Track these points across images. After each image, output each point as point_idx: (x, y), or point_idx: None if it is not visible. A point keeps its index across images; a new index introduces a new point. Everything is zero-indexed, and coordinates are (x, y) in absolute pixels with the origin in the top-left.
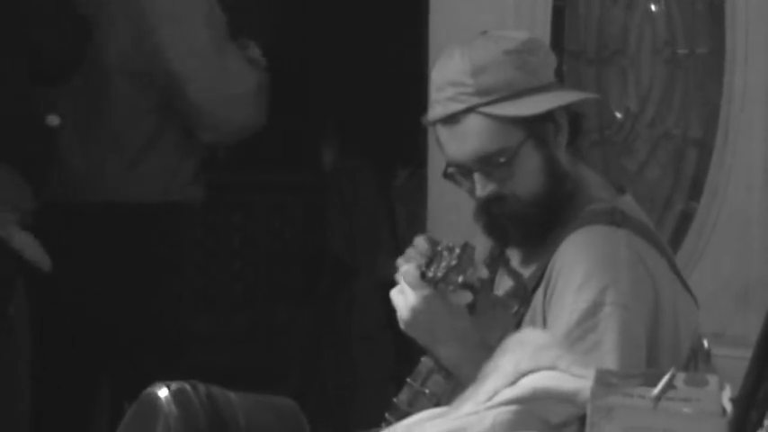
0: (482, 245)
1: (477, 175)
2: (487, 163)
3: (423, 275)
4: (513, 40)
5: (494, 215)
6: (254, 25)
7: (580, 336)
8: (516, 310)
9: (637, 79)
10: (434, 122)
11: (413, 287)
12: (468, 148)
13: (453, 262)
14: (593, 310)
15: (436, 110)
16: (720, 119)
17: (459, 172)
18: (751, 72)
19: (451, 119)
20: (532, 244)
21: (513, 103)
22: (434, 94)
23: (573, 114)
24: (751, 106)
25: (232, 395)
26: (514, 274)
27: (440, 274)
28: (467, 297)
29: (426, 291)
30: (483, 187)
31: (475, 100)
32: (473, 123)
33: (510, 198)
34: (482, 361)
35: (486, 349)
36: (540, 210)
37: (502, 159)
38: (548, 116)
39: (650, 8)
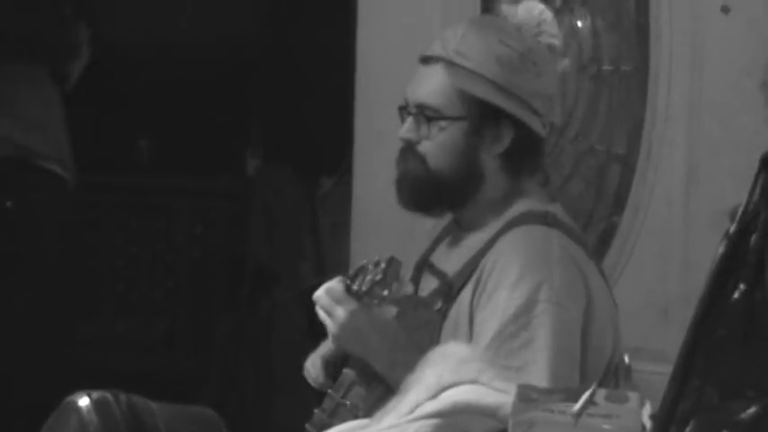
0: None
1: (409, 118)
2: (420, 112)
3: (348, 289)
4: (517, 41)
5: (402, 166)
6: (180, 30)
7: (513, 333)
8: (440, 307)
9: (562, 95)
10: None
11: (338, 302)
12: (418, 90)
13: (378, 276)
14: (526, 308)
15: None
16: (643, 135)
17: (403, 109)
18: (674, 90)
19: (426, 60)
20: (409, 209)
21: (471, 79)
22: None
23: (526, 136)
24: (674, 123)
25: (153, 405)
26: (439, 274)
27: (365, 288)
28: (391, 311)
29: (352, 305)
30: (407, 131)
31: (448, 55)
32: (434, 72)
33: (419, 157)
34: (414, 363)
35: (416, 351)
36: (433, 184)
37: (432, 115)
38: (493, 119)
39: (576, 24)
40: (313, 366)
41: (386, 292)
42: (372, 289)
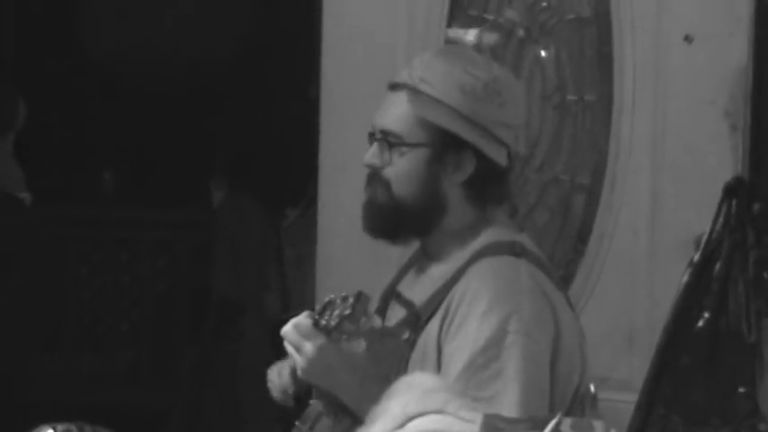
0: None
1: (374, 144)
2: (384, 138)
3: (316, 323)
4: (482, 70)
5: (369, 192)
6: (145, 63)
7: (483, 364)
8: (408, 337)
9: (526, 124)
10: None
11: (307, 337)
12: (383, 116)
13: (347, 311)
14: (496, 339)
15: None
16: (608, 165)
17: (370, 136)
18: (638, 119)
19: (393, 87)
20: (373, 236)
21: (434, 107)
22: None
23: (489, 166)
24: (637, 153)
25: None
26: (406, 303)
27: (333, 323)
28: (360, 345)
29: (320, 340)
30: (371, 156)
31: (413, 82)
32: (399, 99)
33: (384, 183)
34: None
35: (386, 384)
36: (397, 211)
37: (394, 141)
38: (454, 147)
39: (540, 54)
40: (280, 376)
41: (354, 327)
42: (341, 324)
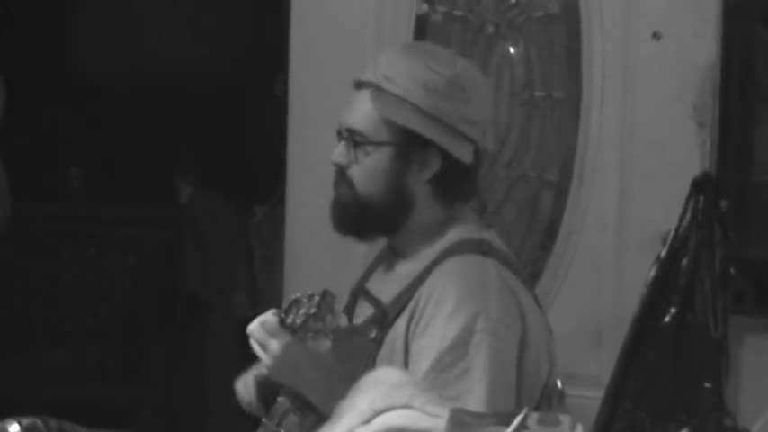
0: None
1: (341, 143)
2: (350, 137)
3: (282, 322)
4: (445, 67)
5: (336, 190)
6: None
7: (450, 363)
8: (375, 335)
9: (494, 121)
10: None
11: (273, 335)
12: (349, 115)
13: (312, 309)
14: (463, 338)
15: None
16: (576, 161)
17: (338, 133)
18: (606, 116)
19: (358, 85)
20: (341, 233)
21: (397, 105)
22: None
23: (455, 163)
24: (606, 149)
25: (83, 430)
26: (374, 301)
27: (299, 321)
28: (326, 344)
29: (286, 338)
30: (337, 155)
31: (377, 80)
32: (364, 98)
33: (348, 182)
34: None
35: (352, 382)
36: (362, 209)
37: (359, 140)
38: (419, 145)
39: (509, 50)
40: (245, 387)
41: (320, 326)
42: (307, 322)
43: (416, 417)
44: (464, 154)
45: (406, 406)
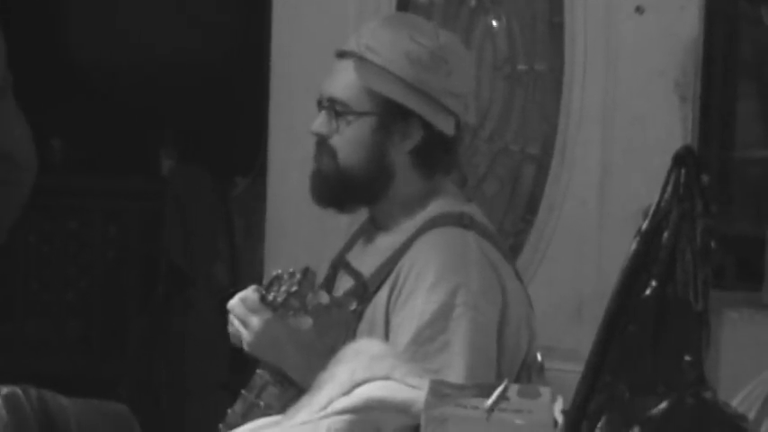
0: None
1: (322, 113)
2: (331, 107)
3: (263, 299)
4: (428, 38)
5: (317, 161)
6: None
7: (431, 336)
8: (355, 308)
9: (476, 94)
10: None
11: (253, 311)
12: (330, 85)
13: (294, 288)
14: (443, 311)
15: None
16: (558, 135)
17: (318, 104)
18: (588, 90)
19: (340, 55)
20: (321, 205)
21: (379, 75)
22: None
23: (437, 134)
24: (588, 123)
25: (64, 400)
26: (354, 274)
27: (280, 299)
28: (307, 322)
29: (267, 314)
30: (318, 125)
31: (360, 50)
32: (346, 67)
33: (330, 152)
34: None
35: (331, 354)
36: (343, 180)
37: (340, 110)
38: (401, 116)
39: (491, 24)
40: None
41: (301, 303)
42: (288, 300)
43: (396, 388)
44: (446, 126)
45: (387, 377)
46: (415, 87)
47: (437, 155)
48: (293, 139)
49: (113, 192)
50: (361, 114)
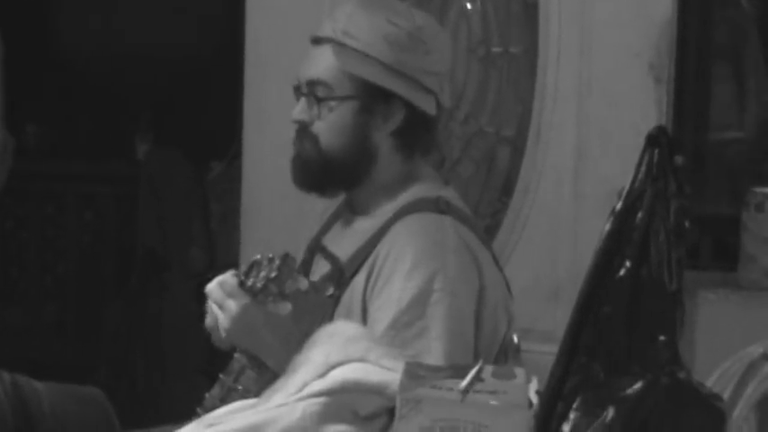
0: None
1: (302, 99)
2: (311, 91)
3: (241, 284)
4: (405, 19)
5: (297, 147)
6: (70, 17)
7: (408, 322)
8: (332, 293)
9: (451, 76)
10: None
11: (231, 295)
12: (309, 70)
13: (273, 273)
14: (421, 297)
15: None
16: (533, 117)
17: (297, 90)
18: (563, 72)
19: (316, 41)
20: (302, 189)
21: (359, 59)
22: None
23: (419, 114)
24: (562, 105)
25: (38, 384)
26: (331, 258)
27: (259, 285)
28: (286, 308)
29: (245, 299)
30: (299, 112)
31: (337, 36)
32: (324, 53)
33: (312, 138)
34: None
35: (307, 339)
36: (326, 165)
37: (321, 95)
38: (383, 98)
39: (466, 6)
40: None
41: (280, 290)
42: (266, 286)
43: (371, 370)
44: (427, 105)
45: (362, 359)
46: (394, 69)
47: (418, 135)
48: (268, 121)
49: (89, 176)
50: (342, 99)
